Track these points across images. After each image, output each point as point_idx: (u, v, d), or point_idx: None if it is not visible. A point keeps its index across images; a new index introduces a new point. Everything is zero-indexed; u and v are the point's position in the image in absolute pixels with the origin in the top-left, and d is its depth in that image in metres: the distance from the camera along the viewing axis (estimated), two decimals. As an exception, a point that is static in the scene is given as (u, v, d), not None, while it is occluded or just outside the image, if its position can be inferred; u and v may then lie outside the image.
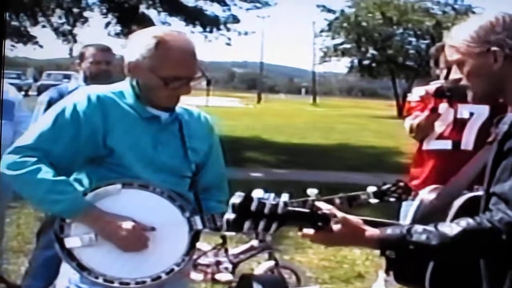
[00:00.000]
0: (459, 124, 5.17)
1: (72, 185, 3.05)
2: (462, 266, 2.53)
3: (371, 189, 3.85)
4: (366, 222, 2.55)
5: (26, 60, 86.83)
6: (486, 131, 4.86)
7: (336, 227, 2.47)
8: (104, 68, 5.61)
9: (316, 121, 37.02)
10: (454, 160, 4.74)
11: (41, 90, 27.84)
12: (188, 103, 3.37)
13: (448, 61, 2.66)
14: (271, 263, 5.97)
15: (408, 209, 2.84)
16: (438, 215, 2.54)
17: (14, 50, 29.38)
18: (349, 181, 13.56)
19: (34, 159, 2.95)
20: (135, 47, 3.11)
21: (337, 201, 3.62)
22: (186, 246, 3.16)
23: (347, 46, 55.23)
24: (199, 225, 3.17)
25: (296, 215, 2.45)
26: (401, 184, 3.85)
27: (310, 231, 2.50)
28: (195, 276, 5.82)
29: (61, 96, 5.38)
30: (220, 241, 5.83)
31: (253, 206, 2.37)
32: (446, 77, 5.13)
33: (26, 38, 27.55)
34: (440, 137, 5.22)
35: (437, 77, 5.27)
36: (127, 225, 3.02)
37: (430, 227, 2.40)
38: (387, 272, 6.06)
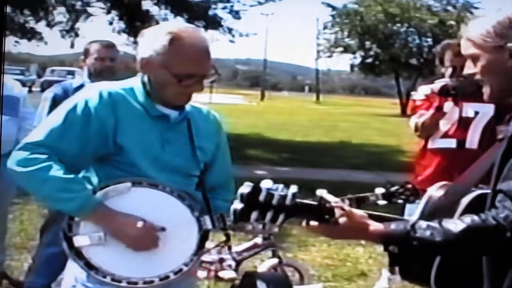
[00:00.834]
0: (464, 123, 5.17)
1: (82, 183, 3.01)
2: (468, 263, 2.52)
3: (379, 190, 3.87)
4: (372, 217, 2.54)
5: (30, 56, 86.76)
6: (491, 130, 4.90)
7: (341, 220, 2.46)
8: (108, 64, 5.60)
9: (319, 119, 37.04)
10: (458, 158, 4.76)
11: (44, 86, 27.97)
12: (192, 100, 3.33)
13: (463, 54, 2.64)
14: (275, 260, 5.95)
15: (413, 209, 2.83)
16: (446, 212, 2.52)
17: (18, 46, 29.37)
18: (352, 179, 13.59)
19: (45, 156, 2.91)
20: (148, 43, 3.06)
21: (346, 202, 3.62)
22: (195, 245, 3.13)
23: (350, 42, 55.29)
24: (208, 224, 3.13)
25: (303, 208, 2.44)
26: (409, 186, 3.86)
27: (315, 223, 2.49)
28: (198, 273, 5.81)
29: (65, 92, 5.39)
30: (224, 238, 5.81)
31: (262, 197, 2.35)
32: (451, 76, 5.14)
33: (30, 34, 27.55)
34: (445, 135, 5.22)
35: (442, 76, 5.26)
36: (137, 224, 2.98)
37: (435, 223, 2.39)
38: (390, 268, 6.10)
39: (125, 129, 3.02)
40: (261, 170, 14.86)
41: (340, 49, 56.93)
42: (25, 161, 2.91)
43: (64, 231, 3.02)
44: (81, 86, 5.28)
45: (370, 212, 2.58)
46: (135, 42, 23.52)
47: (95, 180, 3.07)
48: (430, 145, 5.33)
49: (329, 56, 59.17)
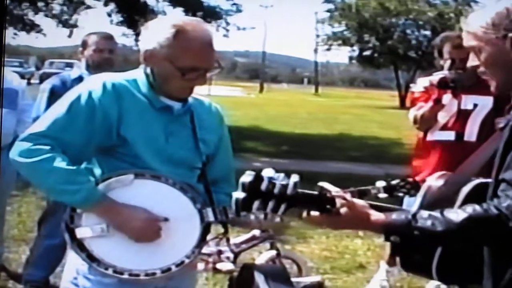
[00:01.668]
0: (463, 115, 5.16)
1: (86, 175, 3.00)
2: (469, 253, 2.52)
3: (381, 183, 3.89)
4: (373, 207, 2.53)
5: (29, 49, 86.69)
6: (490, 122, 4.89)
7: (343, 210, 2.46)
8: (107, 56, 5.58)
9: (318, 111, 37.02)
10: (457, 151, 4.75)
11: (43, 78, 27.85)
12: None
13: (465, 47, 2.63)
14: (273, 253, 5.96)
15: (411, 201, 2.83)
16: (445, 202, 2.52)
17: (17, 38, 29.34)
18: (351, 171, 13.60)
19: (48, 147, 2.89)
20: (152, 35, 3.04)
21: (348, 195, 3.63)
22: (197, 238, 3.12)
23: (348, 34, 55.33)
24: (210, 217, 3.13)
25: (305, 197, 2.43)
26: (410, 179, 3.88)
27: (316, 213, 2.49)
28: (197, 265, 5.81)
29: (63, 84, 5.38)
30: (222, 230, 5.81)
31: (263, 186, 2.34)
32: (450, 68, 5.13)
33: (29, 27, 27.53)
34: (444, 128, 5.22)
35: (441, 68, 5.25)
36: (140, 215, 2.98)
37: (436, 213, 2.38)
38: (389, 260, 6.09)
39: (129, 120, 3.00)
40: (259, 162, 14.85)
41: (339, 41, 56.98)
42: (28, 151, 2.90)
43: (66, 222, 3.01)
44: (79, 78, 5.29)
45: (371, 202, 2.57)
46: (135, 34, 23.55)
47: (97, 171, 3.06)
48: (429, 138, 5.33)
49: (328, 49, 59.29)
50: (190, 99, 3.20)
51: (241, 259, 5.95)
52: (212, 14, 25.84)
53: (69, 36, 26.96)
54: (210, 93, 32.40)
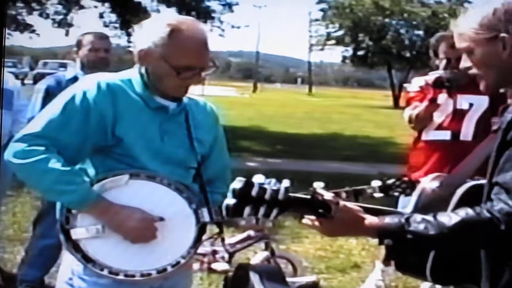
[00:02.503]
0: (459, 115, 5.16)
1: (81, 175, 2.99)
2: (463, 255, 2.51)
3: (376, 183, 3.88)
4: (367, 210, 2.53)
5: (22, 49, 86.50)
6: (486, 122, 4.90)
7: (336, 215, 2.45)
8: (102, 55, 5.58)
9: (312, 111, 37.05)
10: (453, 150, 4.76)
11: (37, 78, 27.88)
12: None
13: (457, 49, 2.63)
14: (268, 253, 5.95)
15: (406, 201, 2.83)
16: (440, 203, 2.52)
17: (10, 38, 29.29)
18: (345, 171, 13.60)
19: (43, 148, 2.88)
20: (147, 34, 3.03)
21: (343, 195, 3.63)
22: (193, 238, 3.11)
23: (341, 34, 55.46)
24: (206, 217, 3.12)
25: (297, 202, 2.43)
26: (405, 178, 3.88)
27: (312, 218, 2.49)
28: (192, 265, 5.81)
29: (58, 84, 5.38)
30: (217, 230, 5.80)
31: (254, 192, 2.34)
32: (445, 68, 5.13)
33: (23, 27, 27.49)
34: (439, 127, 5.22)
35: (437, 67, 5.25)
36: (136, 216, 2.97)
37: (429, 217, 2.37)
38: (385, 261, 6.09)
39: (124, 121, 2.99)
40: (253, 162, 14.87)
41: (332, 41, 57.08)
42: (23, 152, 2.89)
43: (61, 223, 3.00)
44: (74, 78, 5.28)
45: (365, 205, 2.57)
46: (128, 35, 23.53)
47: (92, 172, 3.05)
48: (424, 137, 5.33)
49: (321, 49, 59.41)
50: (185, 99, 3.19)
51: (236, 259, 5.95)
52: (205, 14, 25.80)
53: (66, 35, 26.91)
54: (204, 93, 32.39)
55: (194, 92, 3.23)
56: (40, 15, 26.20)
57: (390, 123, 23.75)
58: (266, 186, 2.36)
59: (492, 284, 2.47)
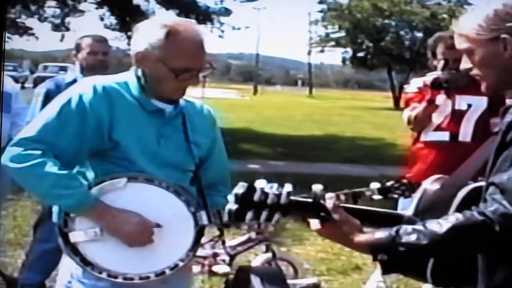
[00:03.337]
0: (457, 116, 5.16)
1: (78, 179, 2.98)
2: (463, 258, 2.50)
3: (375, 185, 3.88)
4: (366, 213, 2.53)
5: (22, 52, 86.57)
6: (484, 122, 4.91)
7: (337, 216, 2.45)
8: (100, 58, 5.58)
9: (312, 113, 37.01)
10: (452, 151, 4.76)
11: (37, 82, 27.87)
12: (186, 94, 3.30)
13: (458, 50, 2.62)
14: (269, 255, 5.95)
15: (406, 203, 2.82)
16: (441, 205, 2.50)
17: (10, 42, 29.29)
18: (345, 172, 13.59)
19: (39, 152, 2.88)
20: (143, 36, 3.02)
21: (342, 197, 3.63)
22: (191, 241, 3.11)
23: (340, 35, 55.49)
24: (204, 220, 3.12)
25: (298, 205, 2.42)
26: (405, 180, 3.87)
27: (317, 224, 2.48)
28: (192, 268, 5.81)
29: (58, 87, 5.37)
30: (217, 233, 5.80)
31: (256, 197, 2.33)
32: (444, 68, 5.13)
33: (22, 30, 27.49)
34: (438, 128, 5.21)
35: (435, 68, 5.25)
36: (134, 219, 2.97)
37: (419, 226, 2.34)
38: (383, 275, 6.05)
39: (121, 124, 2.99)
40: (254, 164, 14.86)
41: (332, 43, 57.12)
42: (19, 157, 2.89)
43: (59, 226, 3.00)
44: (73, 81, 5.26)
45: (364, 208, 2.57)
46: (128, 37, 23.53)
47: (90, 175, 3.05)
48: (423, 138, 5.32)
49: (321, 51, 59.46)
50: (181, 102, 3.19)
51: (237, 261, 5.96)
52: (204, 16, 25.81)
53: (61, 40, 26.95)
54: (204, 96, 32.42)
55: (194, 94, 3.23)
56: (39, 18, 26.22)
57: (391, 125, 23.68)
58: (268, 190, 2.36)
59: (487, 285, 2.46)
